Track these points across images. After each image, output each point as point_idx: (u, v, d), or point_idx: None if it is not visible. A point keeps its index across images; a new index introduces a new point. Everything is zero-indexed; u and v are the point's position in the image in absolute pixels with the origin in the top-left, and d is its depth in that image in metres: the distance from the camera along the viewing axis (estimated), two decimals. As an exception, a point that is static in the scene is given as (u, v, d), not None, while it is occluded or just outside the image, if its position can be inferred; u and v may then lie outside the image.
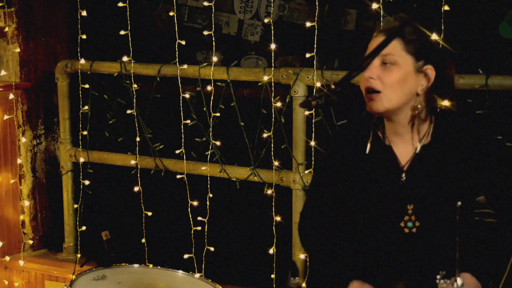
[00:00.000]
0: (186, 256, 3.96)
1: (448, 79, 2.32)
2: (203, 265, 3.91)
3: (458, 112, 2.35)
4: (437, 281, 1.98)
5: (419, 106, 2.28)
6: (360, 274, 2.33)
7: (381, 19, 3.30)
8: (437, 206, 2.27)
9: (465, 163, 2.27)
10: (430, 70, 2.27)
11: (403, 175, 2.31)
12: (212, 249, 3.89)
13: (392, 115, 2.31)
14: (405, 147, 2.34)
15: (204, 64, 3.88)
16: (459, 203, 1.90)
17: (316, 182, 2.55)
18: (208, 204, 3.88)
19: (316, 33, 3.48)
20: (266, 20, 3.80)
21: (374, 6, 3.35)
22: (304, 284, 3.62)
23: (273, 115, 3.67)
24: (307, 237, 2.56)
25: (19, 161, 4.47)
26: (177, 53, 3.87)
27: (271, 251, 3.73)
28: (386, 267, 2.31)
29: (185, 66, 3.90)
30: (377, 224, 2.33)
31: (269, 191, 3.73)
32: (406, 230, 2.30)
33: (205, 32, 3.82)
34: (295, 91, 3.59)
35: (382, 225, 2.32)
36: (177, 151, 3.96)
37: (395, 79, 2.25)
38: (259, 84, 3.71)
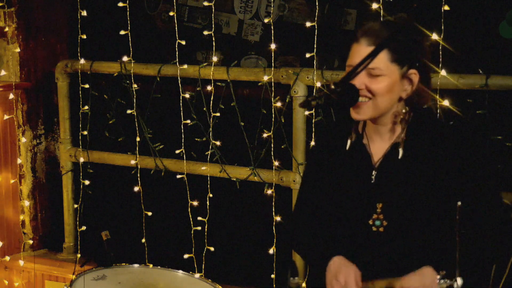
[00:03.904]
0: (186, 256, 3.96)
1: (428, 78, 2.33)
2: (203, 265, 3.91)
3: (432, 112, 2.36)
4: (437, 281, 1.98)
5: (403, 110, 2.30)
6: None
7: (381, 19, 3.30)
8: (406, 206, 2.27)
9: (436, 162, 2.26)
10: (414, 75, 2.27)
11: (374, 172, 2.33)
12: (212, 249, 3.89)
13: (375, 119, 2.33)
14: (381, 145, 2.35)
15: (204, 64, 3.89)
16: (459, 203, 1.89)
17: (304, 179, 2.58)
18: (208, 204, 3.88)
19: (316, 33, 3.48)
20: (266, 20, 3.80)
21: (374, 6, 3.35)
22: (304, 284, 3.62)
23: (273, 115, 3.67)
24: (296, 239, 2.57)
25: (19, 161, 4.48)
26: (177, 53, 3.87)
27: (271, 251, 3.73)
28: (356, 264, 2.31)
29: (185, 66, 3.90)
30: (347, 221, 2.35)
31: (269, 191, 3.73)
32: (374, 229, 2.30)
33: (205, 32, 3.82)
34: (295, 91, 3.59)
35: (352, 222, 2.34)
36: (177, 151, 3.96)
37: (383, 88, 2.25)
38: (259, 84, 3.71)
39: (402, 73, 2.26)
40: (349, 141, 2.38)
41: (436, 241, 2.25)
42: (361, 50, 2.25)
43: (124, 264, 3.09)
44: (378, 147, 2.35)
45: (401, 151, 2.30)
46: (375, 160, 2.34)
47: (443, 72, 3.14)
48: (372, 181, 2.33)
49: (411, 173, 2.28)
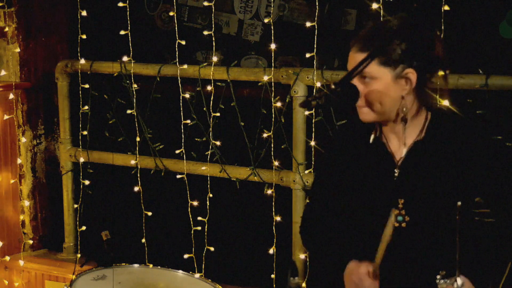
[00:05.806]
0: (186, 256, 3.96)
1: (435, 60, 2.32)
2: (203, 265, 3.91)
3: (454, 111, 2.37)
4: (437, 281, 1.98)
5: (404, 109, 2.30)
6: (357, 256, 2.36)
7: (381, 19, 3.30)
8: (428, 202, 2.29)
9: (458, 161, 2.29)
10: (411, 74, 2.27)
11: (396, 170, 2.34)
12: (212, 249, 3.89)
13: (383, 120, 2.34)
14: (400, 143, 2.36)
15: (204, 64, 3.89)
16: (459, 203, 1.90)
17: (318, 181, 2.59)
18: (208, 204, 3.88)
19: (316, 33, 3.48)
20: (266, 20, 3.80)
21: (374, 6, 3.35)
22: (304, 284, 3.62)
23: (273, 115, 3.67)
24: (309, 238, 2.58)
25: (19, 161, 4.48)
26: (177, 53, 3.87)
27: (271, 251, 3.73)
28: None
29: (185, 66, 3.90)
30: (369, 217, 2.36)
31: (269, 191, 3.73)
32: (396, 224, 2.31)
33: (205, 32, 3.82)
34: (295, 91, 3.59)
35: (374, 218, 2.34)
36: (177, 151, 3.96)
37: (375, 93, 2.27)
38: (259, 84, 3.71)
39: (396, 74, 2.27)
40: (372, 135, 2.39)
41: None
42: (354, 56, 2.31)
43: (124, 264, 3.09)
44: (397, 145, 2.37)
45: (411, 141, 2.32)
46: (397, 158, 2.36)
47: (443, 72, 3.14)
48: (395, 179, 2.34)
49: (433, 170, 2.30)
